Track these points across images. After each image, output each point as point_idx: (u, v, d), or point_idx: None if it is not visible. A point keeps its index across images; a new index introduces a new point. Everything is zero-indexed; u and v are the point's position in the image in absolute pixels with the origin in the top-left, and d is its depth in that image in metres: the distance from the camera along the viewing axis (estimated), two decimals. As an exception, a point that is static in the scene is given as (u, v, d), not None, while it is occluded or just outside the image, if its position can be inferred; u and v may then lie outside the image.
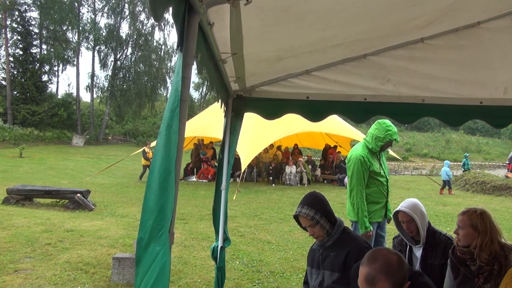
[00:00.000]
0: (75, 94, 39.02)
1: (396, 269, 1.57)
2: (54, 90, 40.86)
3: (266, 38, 1.99)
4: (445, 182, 13.76)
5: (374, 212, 3.78)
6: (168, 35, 53.63)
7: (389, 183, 4.00)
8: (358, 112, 2.90)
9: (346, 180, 16.46)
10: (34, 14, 37.03)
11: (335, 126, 15.36)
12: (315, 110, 2.94)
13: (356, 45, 2.31)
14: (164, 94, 43.53)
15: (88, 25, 37.16)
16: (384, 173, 3.92)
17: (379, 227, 3.87)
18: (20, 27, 34.38)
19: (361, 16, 1.82)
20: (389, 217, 3.85)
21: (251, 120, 11.41)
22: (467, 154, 19.49)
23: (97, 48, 38.12)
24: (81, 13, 37.30)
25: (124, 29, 55.88)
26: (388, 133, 3.69)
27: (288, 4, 1.60)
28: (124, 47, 39.07)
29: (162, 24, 38.38)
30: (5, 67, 33.29)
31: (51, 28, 36.11)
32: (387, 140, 3.72)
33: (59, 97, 40.00)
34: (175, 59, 38.67)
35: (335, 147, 17.36)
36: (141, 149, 15.77)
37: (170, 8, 1.15)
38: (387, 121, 3.69)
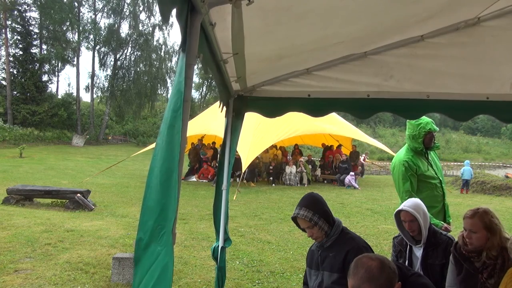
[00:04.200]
0: (75, 94, 39.04)
1: (377, 275, 1.61)
2: (54, 90, 40.95)
3: (267, 37, 1.99)
4: (467, 182, 13.74)
5: (430, 219, 3.35)
6: (168, 35, 53.77)
7: (444, 184, 3.68)
8: (361, 108, 2.85)
9: (346, 180, 16.34)
10: (34, 14, 37.07)
11: (336, 126, 15.35)
12: (317, 107, 2.91)
13: (357, 42, 2.29)
14: (164, 94, 43.54)
15: (88, 25, 37.17)
16: (436, 174, 3.61)
17: None
18: (20, 27, 34.38)
19: (361, 14, 1.82)
20: (448, 221, 3.60)
21: (251, 120, 11.39)
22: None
23: (97, 48, 38.14)
24: (81, 13, 37.32)
25: (124, 29, 55.95)
26: (420, 126, 3.49)
27: (289, 3, 1.60)
28: (124, 47, 39.07)
29: (162, 24, 38.42)
30: (5, 67, 33.28)
31: (51, 28, 36.09)
32: (423, 132, 3.49)
33: (59, 97, 40.00)
34: (175, 59, 38.69)
35: (339, 146, 17.35)
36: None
37: (174, 9, 1.15)
38: None
